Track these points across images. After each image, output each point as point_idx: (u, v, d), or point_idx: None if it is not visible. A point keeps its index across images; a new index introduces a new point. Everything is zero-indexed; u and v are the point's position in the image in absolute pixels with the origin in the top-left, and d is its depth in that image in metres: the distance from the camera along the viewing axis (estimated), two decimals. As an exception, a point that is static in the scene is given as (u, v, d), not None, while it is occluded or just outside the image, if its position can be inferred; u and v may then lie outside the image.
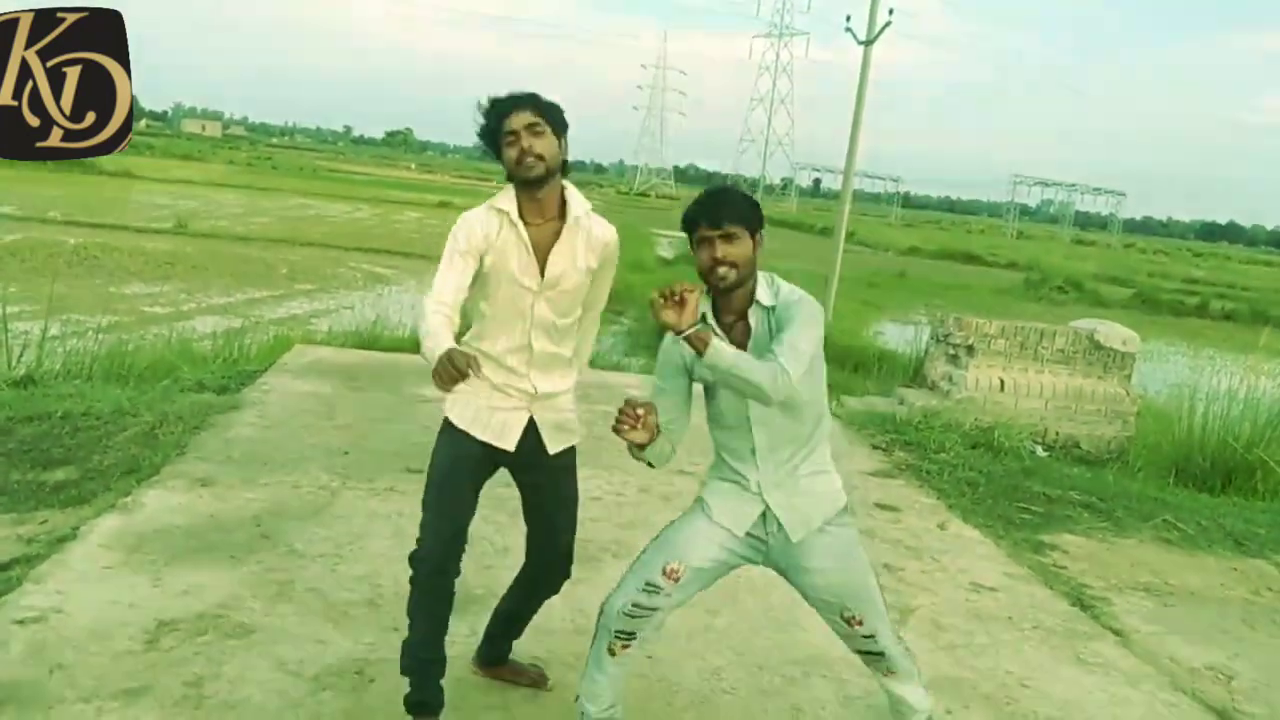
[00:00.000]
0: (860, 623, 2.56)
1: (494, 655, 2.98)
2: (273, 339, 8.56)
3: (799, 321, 2.32)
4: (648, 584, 2.48)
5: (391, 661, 2.97)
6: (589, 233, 2.55)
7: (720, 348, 2.22)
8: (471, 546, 3.84)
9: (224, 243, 19.47)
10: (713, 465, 2.59)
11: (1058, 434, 7.31)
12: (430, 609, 2.63)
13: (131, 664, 2.85)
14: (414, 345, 7.27)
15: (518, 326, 2.53)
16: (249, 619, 3.19)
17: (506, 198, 2.51)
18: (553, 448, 2.65)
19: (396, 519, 4.17)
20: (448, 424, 2.63)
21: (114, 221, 20.65)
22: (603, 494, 4.81)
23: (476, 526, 4.12)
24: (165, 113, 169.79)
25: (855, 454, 6.21)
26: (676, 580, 2.48)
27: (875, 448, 6.41)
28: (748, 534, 2.50)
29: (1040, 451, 6.95)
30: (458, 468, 2.60)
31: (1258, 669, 3.77)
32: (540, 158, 2.40)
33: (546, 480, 2.70)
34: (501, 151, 2.46)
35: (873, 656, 2.64)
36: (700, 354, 2.23)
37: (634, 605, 2.48)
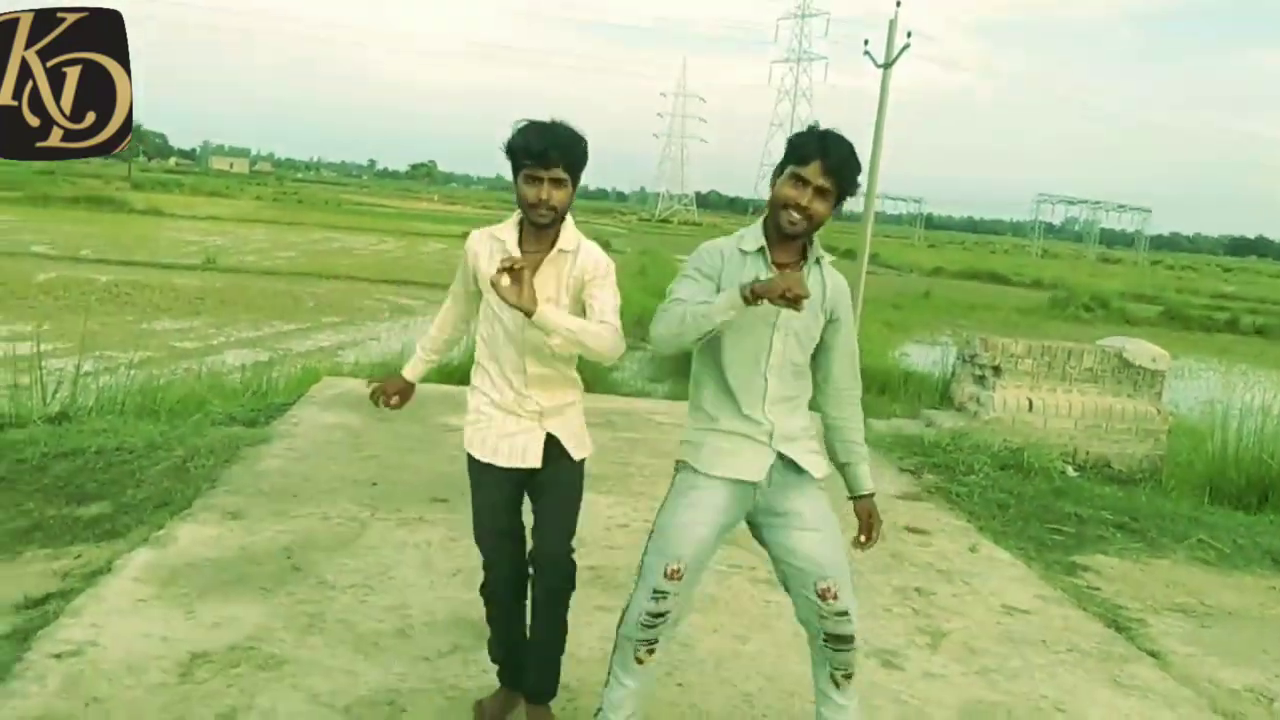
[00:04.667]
0: (835, 596, 2.44)
1: (514, 681, 2.91)
2: (300, 371, 8.66)
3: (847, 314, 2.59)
4: (655, 591, 2.50)
5: (423, 691, 3.00)
6: (574, 263, 2.62)
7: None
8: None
9: (251, 277, 19.73)
10: (699, 417, 2.58)
11: (1088, 454, 7.24)
12: (508, 624, 2.85)
13: (166, 696, 2.88)
14: (439, 376, 7.35)
15: (512, 349, 2.65)
16: (280, 650, 3.21)
17: (509, 228, 2.66)
18: (577, 454, 2.73)
19: (425, 549, 4.18)
20: (471, 460, 2.72)
21: (144, 259, 21.00)
22: (629, 521, 4.81)
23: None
24: (194, 150, 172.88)
25: (883, 476, 6.17)
26: (680, 578, 2.49)
27: (903, 470, 6.37)
28: (740, 482, 2.51)
29: (1071, 471, 6.87)
30: (495, 505, 2.71)
31: (1300, 691, 3.70)
32: (553, 209, 2.54)
33: (561, 478, 2.72)
34: (519, 179, 2.56)
35: (839, 646, 2.49)
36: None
37: (648, 614, 2.51)
